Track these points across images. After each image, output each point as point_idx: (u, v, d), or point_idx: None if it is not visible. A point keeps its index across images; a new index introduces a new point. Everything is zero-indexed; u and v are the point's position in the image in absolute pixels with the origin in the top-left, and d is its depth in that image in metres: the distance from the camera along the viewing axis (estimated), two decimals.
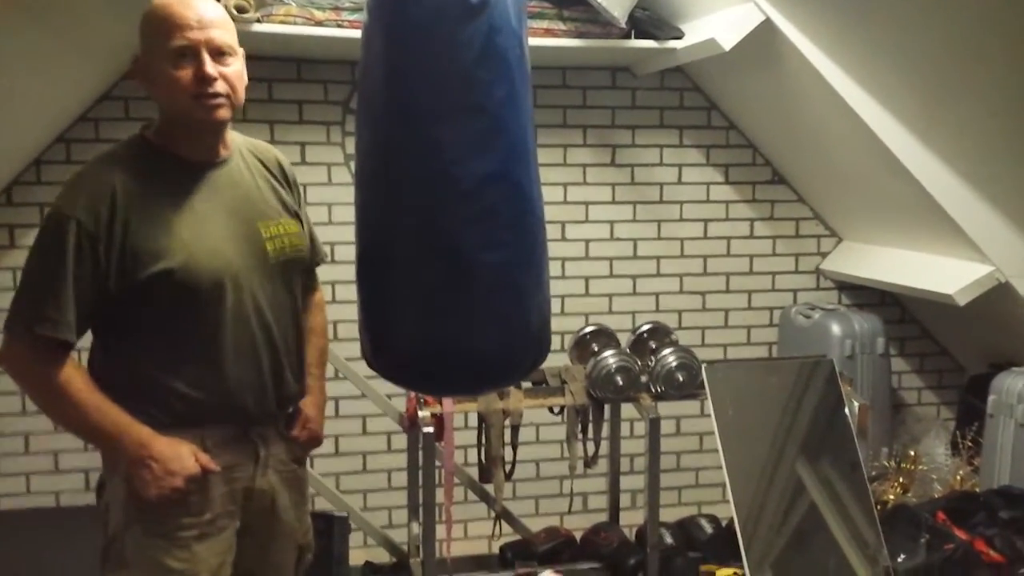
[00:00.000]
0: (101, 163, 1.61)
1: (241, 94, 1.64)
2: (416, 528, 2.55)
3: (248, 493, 1.69)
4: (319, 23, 2.73)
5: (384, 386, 1.65)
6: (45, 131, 2.91)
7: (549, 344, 1.60)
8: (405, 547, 2.82)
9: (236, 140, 1.74)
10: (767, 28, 2.72)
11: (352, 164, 3.16)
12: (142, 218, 1.55)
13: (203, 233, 1.59)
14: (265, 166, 1.77)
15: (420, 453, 2.46)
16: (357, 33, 1.53)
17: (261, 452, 1.70)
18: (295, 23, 2.70)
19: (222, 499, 1.64)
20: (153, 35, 1.58)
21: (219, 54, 1.58)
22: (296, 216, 1.78)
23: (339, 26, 2.74)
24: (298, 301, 1.78)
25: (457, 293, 1.42)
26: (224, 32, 1.60)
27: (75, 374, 1.56)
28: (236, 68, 1.62)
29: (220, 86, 1.58)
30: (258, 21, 2.66)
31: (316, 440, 1.86)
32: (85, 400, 1.56)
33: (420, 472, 2.47)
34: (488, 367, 1.51)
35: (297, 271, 1.77)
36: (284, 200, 1.77)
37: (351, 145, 3.15)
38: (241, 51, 1.65)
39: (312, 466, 3.15)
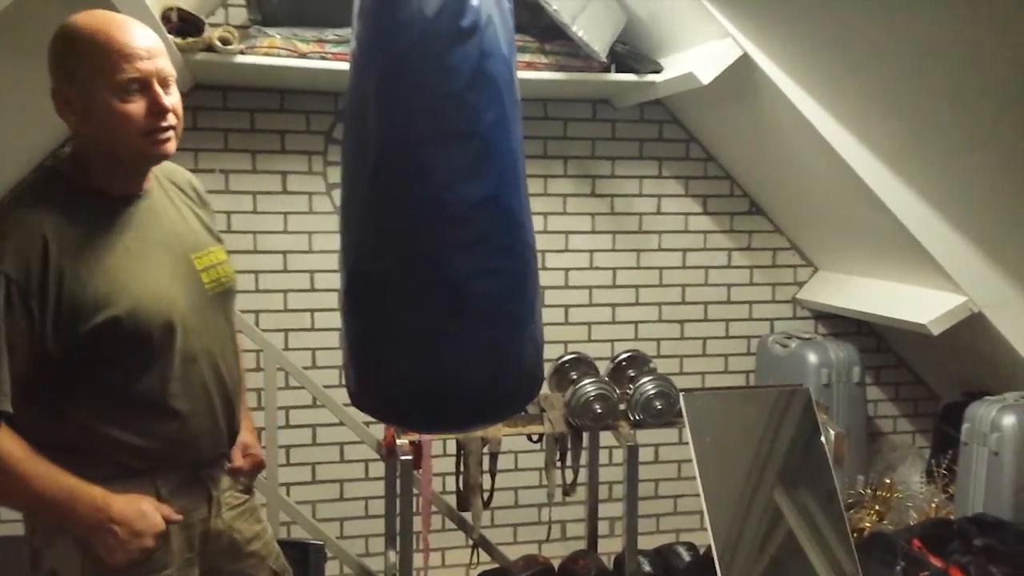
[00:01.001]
0: (21, 205, 1.43)
1: (181, 122, 1.55)
2: (393, 556, 2.53)
3: (204, 537, 1.62)
4: (303, 55, 2.75)
5: (362, 414, 1.64)
6: (28, 160, 2.91)
7: (542, 378, 1.57)
8: (382, 575, 2.81)
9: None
10: (744, 63, 2.77)
11: (334, 193, 3.19)
12: (77, 265, 1.41)
13: (143, 274, 1.49)
14: (182, 191, 1.68)
15: (398, 481, 2.45)
16: (341, 65, 1.53)
17: (213, 493, 1.63)
18: (279, 55, 2.73)
19: (180, 548, 1.56)
20: (90, 64, 1.43)
21: (166, 84, 1.48)
22: (219, 240, 1.71)
23: (323, 58, 2.77)
24: (235, 332, 1.71)
25: (449, 323, 1.39)
26: (168, 61, 1.50)
27: (13, 444, 1.40)
28: (178, 98, 1.52)
29: (171, 118, 1.49)
30: (242, 52, 2.69)
31: (260, 465, 1.81)
32: (28, 470, 1.40)
33: (398, 500, 2.46)
34: (481, 402, 1.47)
35: (231, 301, 1.70)
36: (208, 225, 1.69)
37: (333, 174, 3.17)
38: None
39: (288, 494, 3.15)
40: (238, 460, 1.75)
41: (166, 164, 1.66)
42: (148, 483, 1.52)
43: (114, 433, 1.48)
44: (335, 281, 1.51)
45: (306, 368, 3.05)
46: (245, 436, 1.78)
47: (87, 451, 1.47)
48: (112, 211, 1.51)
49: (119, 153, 1.48)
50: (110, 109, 1.43)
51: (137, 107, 1.44)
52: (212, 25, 2.74)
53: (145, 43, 1.45)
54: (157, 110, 1.45)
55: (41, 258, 1.39)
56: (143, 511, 1.47)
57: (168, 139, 1.49)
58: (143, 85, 1.44)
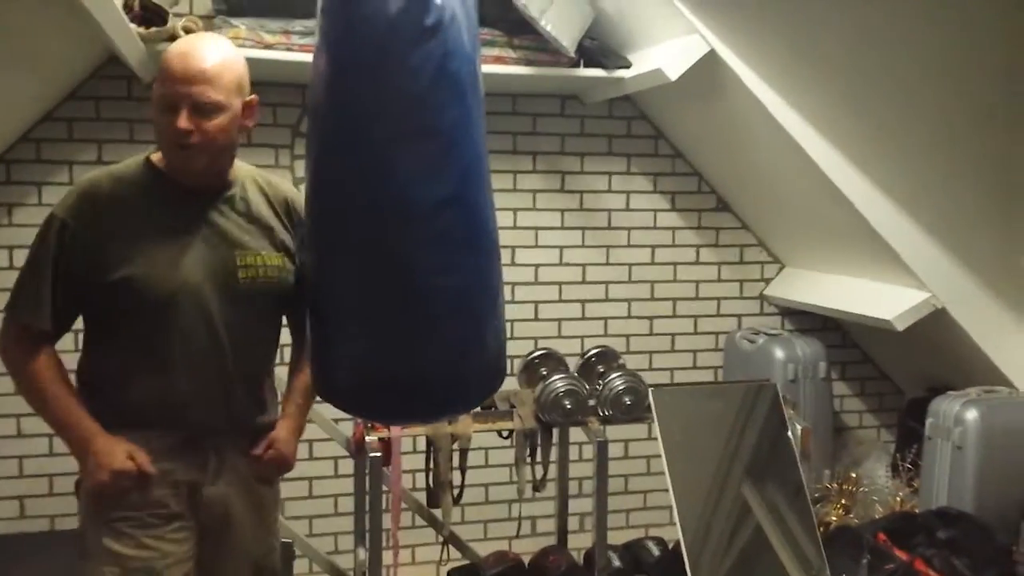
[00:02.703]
0: (100, 174, 1.74)
1: (222, 142, 1.69)
2: (363, 554, 2.51)
3: (195, 499, 1.75)
4: (268, 46, 2.72)
5: (331, 410, 1.66)
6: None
7: (504, 371, 1.59)
8: (351, 573, 2.79)
9: (241, 172, 1.82)
10: (712, 59, 2.78)
11: (301, 187, 3.15)
12: (120, 227, 1.67)
13: (171, 249, 1.68)
14: (269, 201, 1.83)
15: (367, 478, 2.43)
16: (307, 57, 1.54)
17: (212, 460, 1.76)
18: (244, 46, 2.68)
19: (165, 498, 1.72)
20: (157, 80, 1.69)
21: (200, 110, 1.64)
22: (287, 251, 1.82)
23: (289, 50, 2.74)
24: (270, 330, 1.85)
25: (411, 318, 1.41)
26: (209, 88, 1.64)
27: (46, 364, 1.70)
28: (218, 122, 1.66)
29: (194, 138, 1.64)
30: None
31: (282, 461, 1.89)
32: (48, 390, 1.70)
33: (367, 497, 2.44)
34: (442, 395, 1.50)
35: (271, 301, 1.81)
36: (276, 235, 1.81)
37: (300, 168, 3.14)
38: (236, 101, 1.69)
39: None
40: (259, 449, 1.84)
41: (272, 177, 1.90)
42: (142, 435, 1.70)
43: (120, 383, 1.71)
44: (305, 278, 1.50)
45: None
46: (280, 432, 1.89)
47: (103, 396, 1.72)
48: (178, 199, 1.73)
49: (164, 155, 1.73)
50: (155, 119, 1.69)
51: (167, 122, 1.65)
52: (176, 15, 2.70)
53: (185, 70, 1.64)
54: (174, 130, 1.64)
55: (92, 212, 1.67)
56: (112, 451, 1.67)
57: (188, 157, 1.67)
58: (171, 106, 1.64)
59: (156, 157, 1.76)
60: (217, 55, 1.68)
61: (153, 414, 1.71)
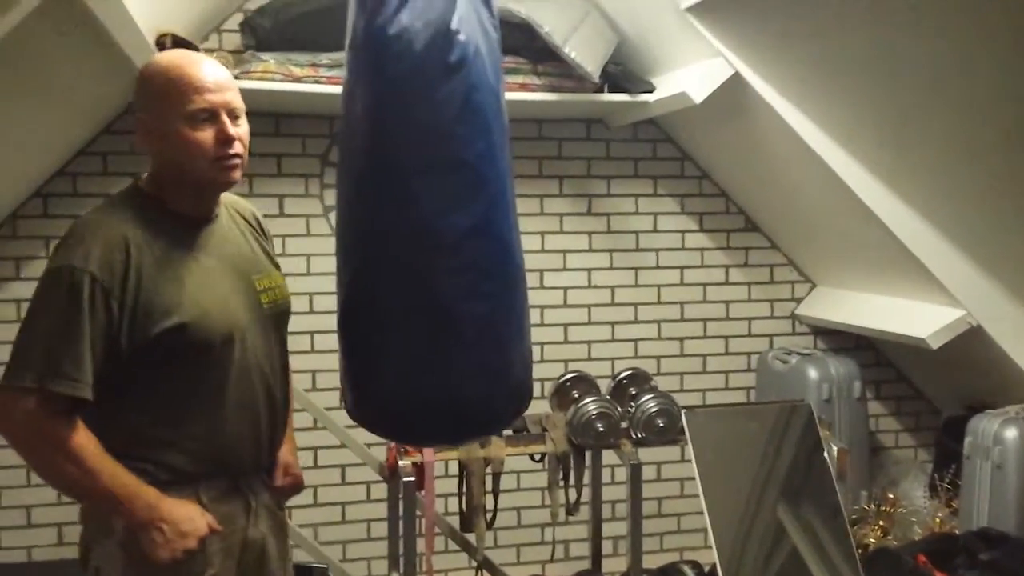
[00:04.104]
0: (108, 215, 1.58)
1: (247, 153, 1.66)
2: None
3: (243, 545, 1.67)
4: (297, 79, 2.77)
5: (363, 435, 1.67)
6: (23, 185, 2.92)
7: (531, 394, 1.60)
8: None
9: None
10: (736, 81, 2.79)
11: (331, 216, 3.20)
12: (154, 273, 1.54)
13: (211, 288, 1.60)
14: (246, 220, 1.79)
15: (400, 503, 2.44)
16: (335, 88, 1.57)
17: (252, 503, 1.69)
18: (273, 79, 2.74)
19: (219, 555, 1.62)
20: (165, 95, 1.56)
21: (235, 116, 1.60)
22: (278, 267, 1.81)
23: (317, 82, 2.78)
24: (287, 352, 1.80)
25: (439, 345, 1.43)
26: (237, 95, 1.62)
27: (88, 437, 1.50)
28: (246, 129, 1.64)
29: (238, 147, 1.59)
30: (236, 78, 2.69)
31: (299, 486, 1.86)
32: (98, 464, 1.50)
33: (400, 522, 2.45)
34: (470, 418, 1.52)
35: (285, 322, 1.79)
36: (268, 252, 1.80)
37: (329, 197, 3.18)
38: None
39: (290, 517, 3.13)
40: (280, 479, 1.80)
41: (232, 196, 1.78)
42: (191, 491, 1.60)
43: (166, 435, 1.58)
44: (334, 303, 1.52)
45: (307, 390, 3.04)
46: (287, 456, 1.83)
47: (136, 456, 1.56)
48: (186, 231, 1.63)
49: (190, 177, 1.60)
50: (182, 136, 1.55)
51: (206, 135, 1.56)
52: (206, 51, 2.76)
53: (215, 78, 1.58)
54: (223, 139, 1.57)
55: (123, 263, 1.51)
56: (190, 515, 1.56)
57: (234, 166, 1.60)
58: (211, 115, 1.56)
59: (145, 187, 1.63)
60: (219, 64, 1.65)
61: (204, 464, 1.61)
